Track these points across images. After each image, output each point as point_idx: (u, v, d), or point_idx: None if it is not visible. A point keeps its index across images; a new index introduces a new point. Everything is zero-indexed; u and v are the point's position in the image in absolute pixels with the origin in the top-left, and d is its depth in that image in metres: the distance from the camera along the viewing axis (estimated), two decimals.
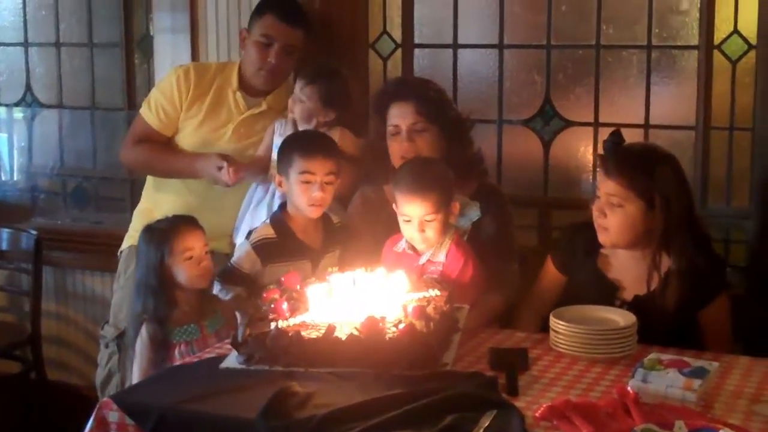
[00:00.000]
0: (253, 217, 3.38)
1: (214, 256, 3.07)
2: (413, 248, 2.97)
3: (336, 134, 3.33)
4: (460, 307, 2.79)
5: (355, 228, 3.25)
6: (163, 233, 2.97)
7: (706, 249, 2.95)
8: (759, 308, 3.36)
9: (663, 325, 2.85)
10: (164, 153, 3.60)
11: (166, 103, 3.58)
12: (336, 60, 3.72)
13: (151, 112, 3.61)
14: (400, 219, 2.94)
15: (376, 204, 3.25)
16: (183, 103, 3.57)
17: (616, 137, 2.94)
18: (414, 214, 2.89)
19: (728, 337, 2.99)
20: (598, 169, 3.00)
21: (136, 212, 3.76)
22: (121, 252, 3.73)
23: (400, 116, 3.18)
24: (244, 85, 3.60)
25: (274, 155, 3.28)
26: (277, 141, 3.35)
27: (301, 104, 3.39)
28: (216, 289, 3.04)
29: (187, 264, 2.95)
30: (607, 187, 2.88)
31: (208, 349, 2.82)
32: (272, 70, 3.53)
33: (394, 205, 2.99)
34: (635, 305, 2.90)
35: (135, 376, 2.90)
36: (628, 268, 2.97)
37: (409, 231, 2.92)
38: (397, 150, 3.18)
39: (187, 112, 3.57)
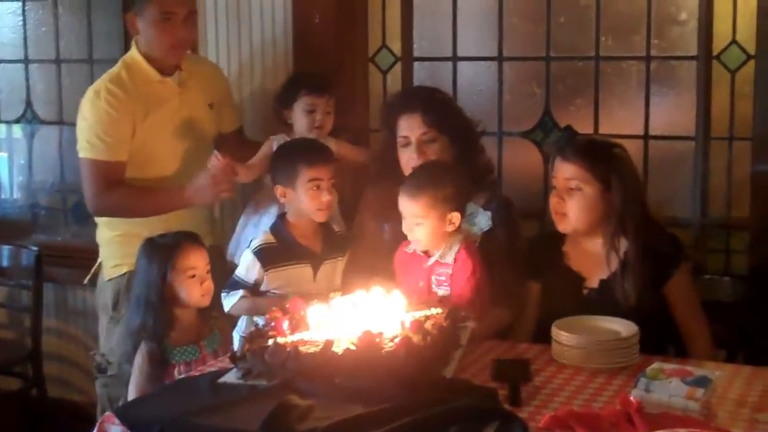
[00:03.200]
0: (256, 233, 3.36)
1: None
2: (424, 250, 2.99)
3: (332, 143, 3.40)
4: (463, 326, 2.78)
5: (363, 222, 3.31)
6: (167, 249, 2.96)
7: (658, 228, 3.05)
8: (759, 317, 3.35)
9: (629, 305, 2.91)
10: (147, 194, 3.45)
11: (112, 130, 3.40)
12: (335, 73, 3.75)
13: (101, 148, 3.40)
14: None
15: (387, 203, 3.23)
16: (128, 117, 3.41)
17: (570, 130, 3.14)
18: (405, 212, 2.94)
19: (697, 307, 3.03)
20: (554, 159, 3.04)
21: (108, 240, 3.61)
22: (109, 280, 3.58)
23: (408, 128, 3.20)
24: (157, 69, 3.49)
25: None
26: None
27: (310, 115, 3.45)
28: (223, 299, 3.08)
29: (190, 283, 2.95)
30: (566, 172, 2.96)
31: (209, 363, 2.82)
32: (183, 43, 3.46)
33: None
34: (601, 290, 2.99)
35: (131, 393, 2.89)
36: (588, 256, 3.03)
37: (404, 227, 2.98)
38: (407, 161, 3.20)
39: (140, 122, 3.43)
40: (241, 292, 3.08)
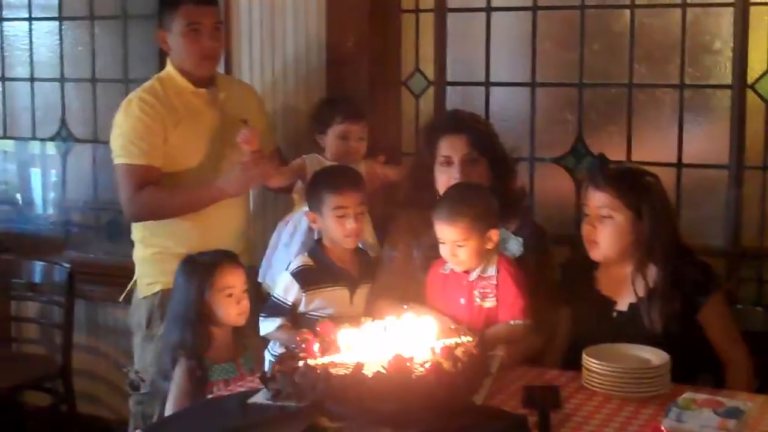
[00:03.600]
0: (288, 254, 3.40)
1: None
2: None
3: (362, 166, 3.46)
4: (493, 354, 2.79)
5: (394, 248, 3.31)
6: (206, 268, 3.01)
7: (690, 256, 3.05)
8: None
9: (656, 332, 2.92)
10: (180, 190, 3.50)
11: (146, 136, 3.46)
12: (368, 96, 3.80)
13: (136, 153, 3.46)
14: (439, 241, 2.98)
15: (418, 229, 3.26)
16: (160, 124, 3.46)
17: (602, 157, 3.11)
18: (446, 238, 2.94)
19: (733, 335, 3.03)
20: (586, 186, 3.06)
21: (144, 258, 3.65)
22: (144, 297, 3.62)
23: (452, 148, 3.21)
24: (191, 82, 3.55)
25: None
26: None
27: (344, 142, 3.49)
28: (261, 322, 3.10)
29: (227, 301, 2.99)
30: (597, 200, 2.99)
31: (238, 383, 2.84)
32: (212, 53, 3.52)
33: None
34: (630, 314, 2.99)
35: (169, 409, 2.91)
36: (619, 281, 3.04)
37: (443, 253, 2.98)
38: (448, 180, 3.20)
39: (172, 129, 3.48)
40: (279, 321, 3.10)
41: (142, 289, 3.63)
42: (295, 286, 3.12)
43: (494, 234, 2.96)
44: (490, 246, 2.96)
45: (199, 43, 3.48)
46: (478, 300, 2.96)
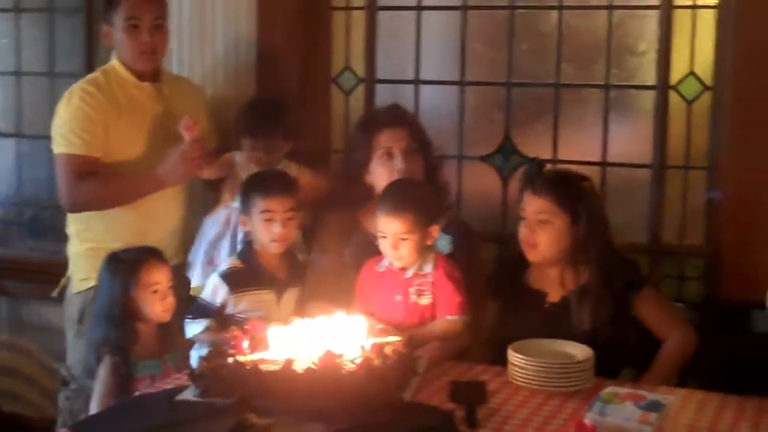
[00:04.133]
0: (215, 250, 3.42)
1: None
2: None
3: (293, 169, 3.46)
4: (420, 357, 2.81)
5: (324, 248, 3.32)
6: (131, 265, 3.00)
7: (618, 255, 3.14)
8: (713, 344, 3.36)
9: (584, 328, 2.99)
10: (121, 178, 3.50)
11: (87, 125, 3.46)
12: (299, 94, 3.79)
13: (77, 143, 3.47)
14: (379, 235, 2.99)
15: (348, 228, 3.31)
16: (102, 114, 3.47)
17: (539, 162, 3.20)
18: (389, 231, 2.95)
19: (669, 312, 3.12)
20: (522, 191, 3.11)
21: (78, 253, 3.63)
22: (77, 293, 3.62)
23: (393, 140, 3.24)
24: (135, 76, 3.57)
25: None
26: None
27: (253, 153, 3.49)
28: (186, 325, 3.08)
29: (153, 298, 2.98)
30: (535, 205, 3.05)
31: (167, 380, 2.82)
32: (152, 48, 3.53)
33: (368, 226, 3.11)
34: (561, 306, 3.06)
35: (94, 406, 2.89)
36: (549, 278, 3.11)
37: (384, 247, 2.99)
38: (388, 173, 3.22)
39: (113, 120, 3.48)
40: (205, 322, 3.09)
41: (75, 284, 3.61)
42: (224, 288, 3.11)
43: (434, 230, 2.99)
44: (429, 242, 2.99)
45: (138, 38, 3.49)
46: (413, 297, 2.98)
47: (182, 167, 3.35)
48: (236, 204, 3.36)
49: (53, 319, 4.39)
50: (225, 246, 3.40)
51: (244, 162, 3.51)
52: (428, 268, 2.99)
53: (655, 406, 2.41)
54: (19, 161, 4.74)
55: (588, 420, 2.35)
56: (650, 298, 3.09)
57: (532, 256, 3.08)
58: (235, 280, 3.12)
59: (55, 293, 3.79)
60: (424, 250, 2.99)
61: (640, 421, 2.34)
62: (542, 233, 3.03)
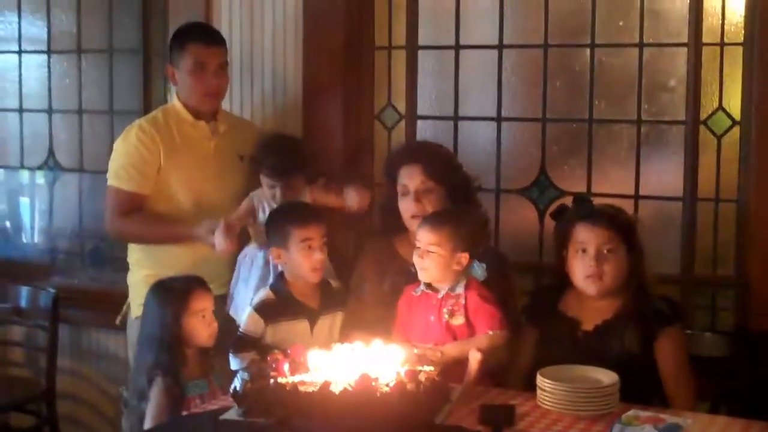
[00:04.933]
0: (246, 288, 3.52)
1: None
2: (431, 287, 3.14)
3: (307, 196, 3.58)
4: (454, 387, 2.89)
5: (364, 277, 3.45)
6: (180, 293, 3.14)
7: (657, 291, 3.22)
8: (743, 372, 3.45)
9: (625, 350, 3.07)
10: (159, 222, 3.67)
11: (138, 164, 3.64)
12: (343, 129, 3.93)
13: (125, 179, 3.65)
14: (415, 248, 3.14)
15: (386, 257, 3.43)
16: (155, 154, 3.65)
17: (585, 198, 3.37)
18: (421, 240, 3.10)
19: (682, 370, 3.14)
20: (577, 225, 3.18)
21: (138, 280, 3.76)
22: (136, 318, 3.70)
23: (408, 177, 3.37)
24: (193, 115, 3.73)
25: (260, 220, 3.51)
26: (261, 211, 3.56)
27: (271, 191, 3.55)
28: (231, 359, 3.19)
29: (200, 323, 3.12)
30: (600, 238, 3.13)
31: (212, 402, 2.96)
32: (216, 90, 3.71)
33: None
34: (596, 334, 3.14)
35: (148, 426, 3.00)
36: (586, 306, 3.19)
37: (414, 257, 3.12)
38: (406, 209, 3.37)
39: (165, 159, 3.66)
40: (250, 355, 3.16)
41: (134, 309, 3.75)
42: (260, 321, 3.20)
43: (464, 257, 3.09)
44: (457, 267, 3.09)
45: (203, 80, 3.67)
46: (446, 317, 3.08)
47: (214, 240, 3.41)
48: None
49: (112, 346, 4.58)
50: (255, 281, 3.49)
51: (263, 198, 3.57)
52: (459, 289, 3.10)
53: (673, 429, 2.50)
54: (80, 195, 4.87)
55: None
56: (675, 339, 3.12)
57: (596, 288, 3.14)
58: (269, 311, 3.20)
59: (117, 320, 3.94)
60: (450, 272, 3.10)
61: None
62: (608, 264, 3.12)
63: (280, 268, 3.38)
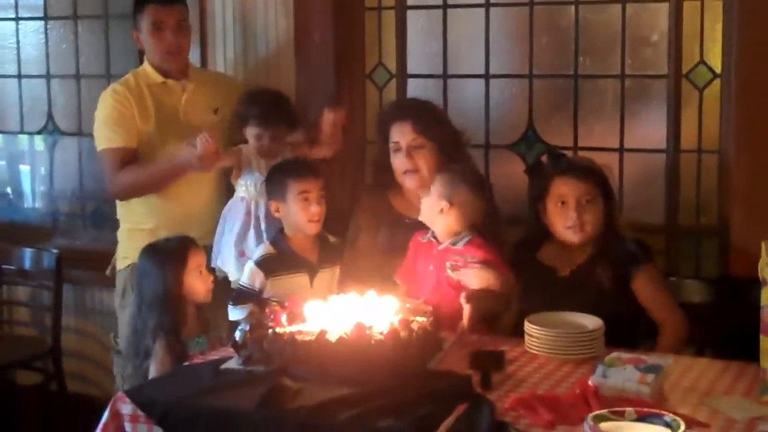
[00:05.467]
0: (243, 242, 3.59)
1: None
2: (436, 237, 3.25)
3: (288, 151, 3.66)
4: (446, 339, 2.99)
5: (360, 228, 3.55)
6: (177, 253, 3.22)
7: (627, 234, 3.38)
8: (728, 317, 3.51)
9: (602, 289, 3.21)
10: (149, 165, 3.75)
11: (119, 120, 3.74)
12: (335, 89, 4.01)
13: (111, 138, 3.75)
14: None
15: (381, 209, 3.54)
16: (131, 112, 3.75)
17: (560, 153, 3.48)
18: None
19: (665, 300, 3.29)
20: (556, 178, 3.32)
21: (122, 233, 3.91)
22: (119, 270, 3.87)
23: (399, 134, 3.47)
24: (162, 75, 3.84)
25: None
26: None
27: (258, 142, 3.62)
28: (230, 311, 3.31)
29: (198, 279, 3.21)
30: (579, 189, 3.28)
31: (212, 352, 3.06)
32: (176, 49, 3.81)
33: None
34: (571, 278, 3.28)
35: None
36: (559, 254, 3.35)
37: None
38: (398, 165, 3.48)
39: (140, 118, 3.75)
40: (249, 307, 3.29)
41: (119, 262, 3.91)
42: (260, 274, 3.30)
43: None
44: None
45: (163, 39, 3.78)
46: (449, 271, 3.18)
47: (193, 161, 3.52)
48: (247, 195, 3.56)
49: (114, 303, 4.71)
50: (252, 237, 3.57)
51: (249, 153, 3.65)
52: (460, 245, 3.20)
53: (653, 369, 2.58)
54: (80, 158, 4.94)
55: (591, 382, 2.54)
56: (649, 276, 3.27)
57: (578, 237, 3.28)
58: (270, 265, 3.31)
59: (108, 271, 4.04)
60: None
61: (639, 382, 2.52)
62: (588, 214, 3.26)
63: (262, 220, 3.49)
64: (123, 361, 3.44)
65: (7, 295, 4.88)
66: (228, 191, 3.80)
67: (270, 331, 2.81)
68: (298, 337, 2.76)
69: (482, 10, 4.03)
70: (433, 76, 4.16)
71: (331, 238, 3.49)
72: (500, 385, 2.69)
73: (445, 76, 4.13)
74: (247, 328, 2.86)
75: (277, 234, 3.43)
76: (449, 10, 4.10)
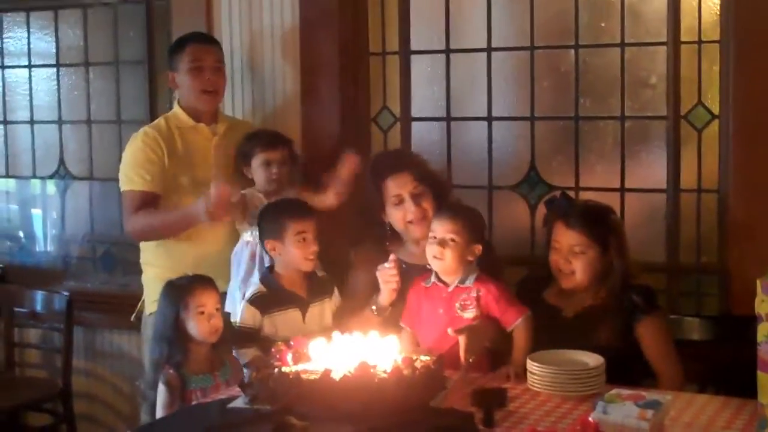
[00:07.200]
0: (236, 283, 3.67)
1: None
2: (441, 280, 3.26)
3: (292, 194, 3.70)
4: (449, 378, 3.01)
5: (357, 280, 3.57)
6: (181, 289, 3.28)
7: (637, 283, 3.35)
8: (729, 354, 3.49)
9: (600, 342, 3.19)
10: (162, 213, 3.77)
11: (146, 164, 3.77)
12: (341, 133, 4.07)
13: (135, 180, 3.78)
14: (429, 237, 3.25)
15: (376, 260, 3.49)
16: (160, 156, 3.79)
17: (566, 196, 3.42)
18: (438, 231, 3.22)
19: (666, 351, 3.28)
20: (553, 223, 3.35)
21: (149, 279, 3.93)
22: (149, 315, 3.86)
23: (400, 186, 3.48)
24: (194, 119, 3.89)
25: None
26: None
27: (267, 169, 3.70)
28: (237, 354, 3.33)
29: (199, 319, 3.23)
30: (571, 238, 3.29)
31: (221, 392, 3.10)
32: (213, 88, 3.87)
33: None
34: (574, 322, 3.30)
35: (159, 415, 3.15)
36: (566, 295, 3.36)
37: (429, 252, 3.24)
38: (403, 216, 3.48)
39: (169, 162, 3.80)
40: (252, 350, 3.32)
41: (147, 306, 3.91)
42: (255, 312, 3.35)
43: (477, 248, 3.24)
44: (471, 258, 3.23)
45: (201, 78, 3.84)
46: (458, 311, 3.21)
47: (205, 212, 3.54)
48: (252, 238, 3.60)
49: (125, 346, 4.71)
50: (242, 274, 3.64)
51: (255, 196, 3.70)
52: (469, 282, 3.23)
53: (652, 405, 2.59)
54: (91, 202, 5.01)
55: (592, 418, 2.56)
56: (653, 327, 3.27)
57: (567, 282, 3.32)
58: (262, 302, 3.36)
59: (132, 318, 4.08)
60: (464, 264, 3.23)
61: (639, 418, 2.53)
62: (577, 263, 3.28)
63: (266, 262, 3.53)
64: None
65: (19, 337, 4.91)
66: None
67: (276, 370, 2.85)
68: (304, 376, 2.79)
69: (484, 55, 4.09)
70: (436, 118, 4.22)
71: (319, 273, 3.52)
72: (502, 421, 2.72)
73: (448, 119, 4.20)
74: (253, 373, 2.90)
75: (266, 272, 3.48)
76: (452, 55, 4.17)
